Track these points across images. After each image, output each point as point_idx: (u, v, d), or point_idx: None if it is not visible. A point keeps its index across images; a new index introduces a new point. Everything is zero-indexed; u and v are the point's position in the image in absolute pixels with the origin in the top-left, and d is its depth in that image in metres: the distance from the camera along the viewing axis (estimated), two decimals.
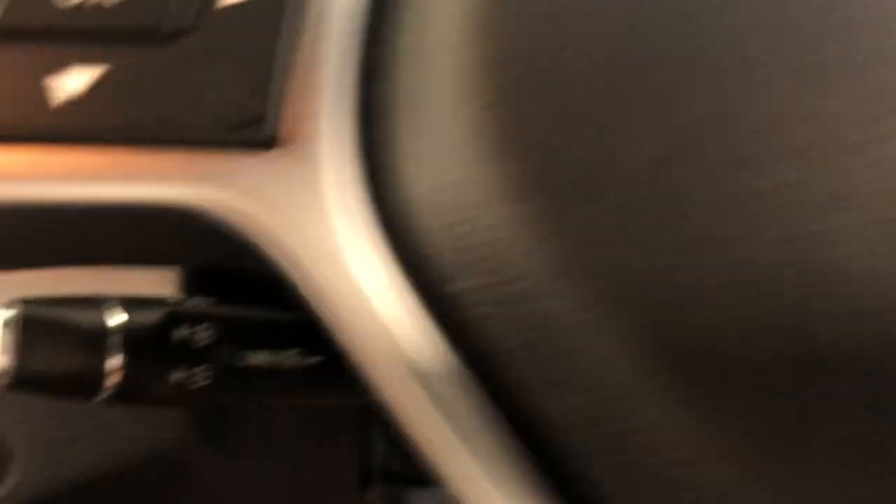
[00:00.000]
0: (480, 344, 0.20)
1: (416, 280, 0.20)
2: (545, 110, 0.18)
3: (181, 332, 0.37)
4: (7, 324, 0.35)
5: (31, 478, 0.45)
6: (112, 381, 0.35)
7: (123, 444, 0.46)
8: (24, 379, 0.35)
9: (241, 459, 0.50)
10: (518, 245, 0.17)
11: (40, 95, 0.23)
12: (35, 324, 0.34)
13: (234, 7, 0.23)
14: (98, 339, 0.35)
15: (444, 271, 0.19)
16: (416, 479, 0.59)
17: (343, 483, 0.53)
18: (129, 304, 0.36)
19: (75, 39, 0.24)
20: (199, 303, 0.38)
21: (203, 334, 0.37)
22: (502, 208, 0.18)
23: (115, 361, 0.35)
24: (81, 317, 0.35)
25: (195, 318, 0.37)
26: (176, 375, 0.36)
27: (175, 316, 0.37)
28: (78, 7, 0.24)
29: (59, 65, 0.24)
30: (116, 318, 0.35)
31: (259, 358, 0.38)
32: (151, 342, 0.36)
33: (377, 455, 0.53)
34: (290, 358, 0.39)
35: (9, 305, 0.35)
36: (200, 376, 0.37)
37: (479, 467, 0.22)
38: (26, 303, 0.35)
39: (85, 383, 0.35)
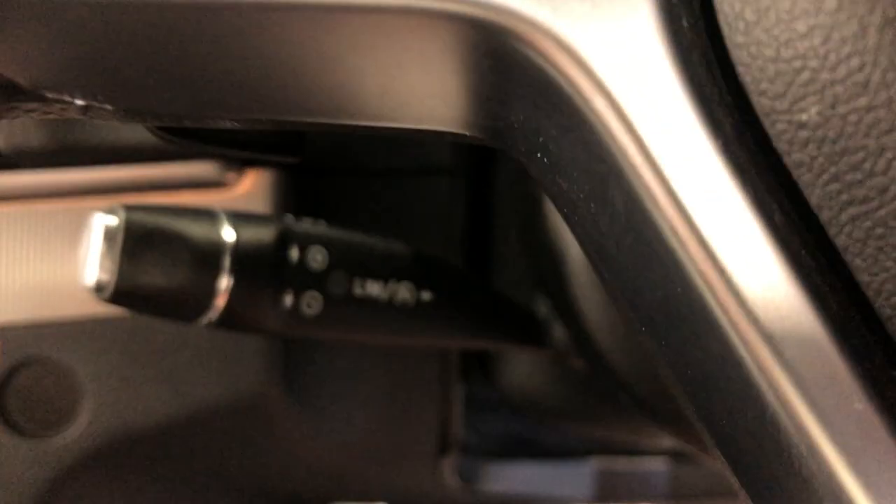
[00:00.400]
0: (812, 189, 0.16)
1: (743, 120, 0.16)
2: None
3: (295, 253, 0.33)
4: (108, 231, 0.31)
5: (102, 418, 0.41)
6: (222, 300, 0.32)
7: (198, 388, 0.42)
8: (124, 292, 0.31)
9: (320, 416, 0.46)
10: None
11: None
12: (140, 232, 0.31)
13: None
14: (212, 254, 0.31)
15: (777, 104, 0.15)
16: (494, 452, 0.56)
17: (420, 449, 0.49)
18: (237, 218, 0.33)
19: None
20: (309, 223, 0.34)
21: (316, 257, 0.33)
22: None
23: (227, 279, 0.31)
24: (194, 228, 0.31)
25: (307, 240, 0.33)
26: (287, 300, 0.33)
27: (288, 235, 0.33)
28: None
29: None
30: (230, 233, 0.32)
31: (371, 288, 0.35)
32: (266, 261, 0.32)
33: (456, 424, 0.50)
34: (402, 292, 0.35)
35: (109, 211, 0.31)
36: (309, 303, 0.33)
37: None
38: (129, 209, 0.31)
39: (193, 301, 0.31)
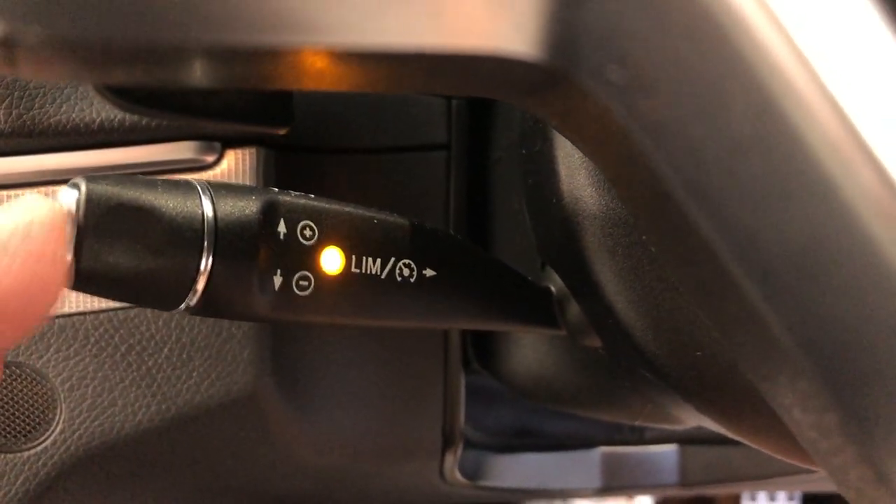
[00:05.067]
0: None
1: None
2: None
3: (282, 229, 0.28)
4: (67, 207, 0.26)
5: (78, 425, 0.36)
6: (202, 283, 0.26)
7: (181, 388, 0.37)
8: (88, 276, 0.26)
9: (316, 412, 0.41)
10: None
11: None
12: (105, 207, 0.26)
13: None
14: (190, 230, 0.26)
15: None
16: (497, 445, 0.51)
17: (422, 444, 0.44)
18: (216, 190, 0.27)
19: None
20: (297, 196, 0.29)
21: (305, 233, 0.28)
22: None
23: (208, 258, 0.26)
24: (168, 201, 0.26)
25: (295, 213, 0.28)
26: (276, 281, 0.28)
27: (274, 208, 0.28)
28: None
29: None
30: (209, 206, 0.27)
31: (368, 266, 0.30)
32: (251, 237, 0.27)
33: (459, 418, 0.45)
34: (402, 269, 0.30)
35: (70, 185, 0.26)
36: (300, 284, 0.28)
37: None
38: (91, 180, 0.26)
39: (169, 285, 0.26)
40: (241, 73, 0.17)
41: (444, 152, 0.41)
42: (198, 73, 0.17)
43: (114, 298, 0.27)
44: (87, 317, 0.36)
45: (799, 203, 0.13)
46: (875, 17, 0.12)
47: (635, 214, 0.19)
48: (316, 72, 0.17)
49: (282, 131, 0.34)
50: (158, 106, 0.30)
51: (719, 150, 0.13)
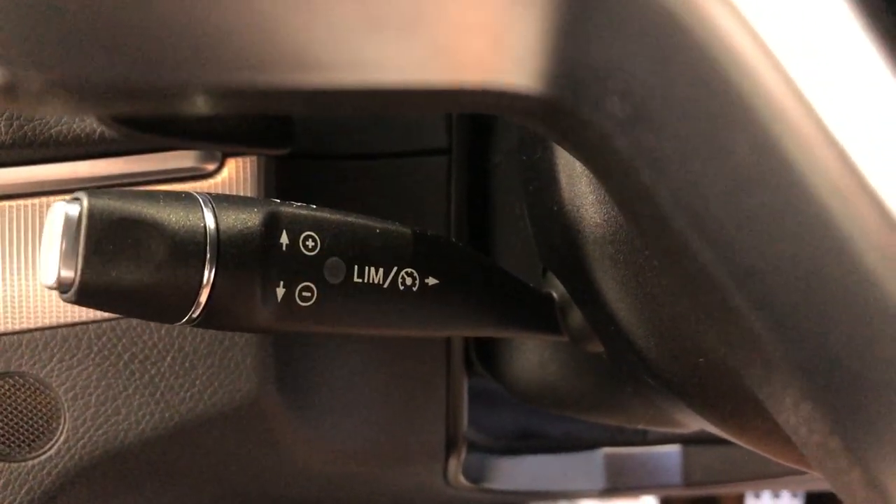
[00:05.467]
0: None
1: None
2: None
3: (284, 240, 0.28)
4: (69, 221, 0.26)
5: (82, 434, 0.36)
6: (205, 296, 0.27)
7: (185, 396, 0.37)
8: (91, 291, 0.26)
9: (320, 418, 0.41)
10: None
11: None
12: (106, 221, 0.26)
13: None
14: (192, 243, 0.26)
15: None
16: (500, 448, 0.52)
17: (426, 448, 0.44)
18: (218, 202, 0.28)
19: None
20: (299, 206, 0.29)
21: (308, 243, 0.28)
22: None
23: (210, 271, 0.26)
24: (170, 214, 0.26)
25: (297, 224, 0.28)
26: (279, 292, 0.28)
27: (276, 219, 0.28)
28: None
29: None
30: (210, 219, 0.27)
31: (370, 275, 0.30)
32: (253, 249, 0.27)
33: (462, 422, 0.45)
34: (404, 278, 0.30)
35: (71, 199, 0.26)
36: (302, 295, 0.28)
37: None
38: (92, 195, 0.26)
39: (172, 298, 0.26)
40: (242, 106, 0.18)
41: (445, 157, 0.41)
42: (199, 107, 0.17)
43: (116, 312, 0.27)
44: (90, 326, 0.36)
45: (798, 238, 0.13)
46: (873, 55, 0.12)
47: (639, 233, 0.19)
48: (318, 104, 0.17)
49: (282, 152, 0.34)
50: (160, 131, 0.31)
51: (719, 184, 0.13)
